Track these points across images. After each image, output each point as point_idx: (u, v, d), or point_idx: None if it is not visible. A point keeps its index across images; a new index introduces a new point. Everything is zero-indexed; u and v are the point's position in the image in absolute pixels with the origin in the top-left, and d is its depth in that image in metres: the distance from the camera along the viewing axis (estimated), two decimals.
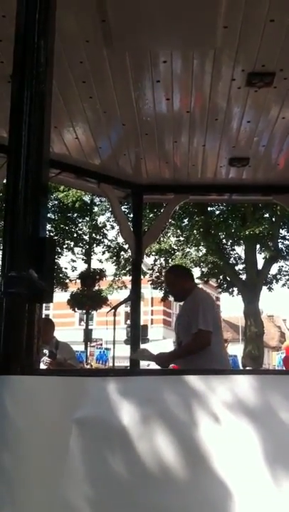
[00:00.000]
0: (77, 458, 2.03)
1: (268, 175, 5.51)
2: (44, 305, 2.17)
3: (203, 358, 4.26)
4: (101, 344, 25.90)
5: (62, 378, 2.18)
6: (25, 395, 2.01)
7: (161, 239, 20.85)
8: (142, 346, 6.14)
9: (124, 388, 2.10)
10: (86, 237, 23.93)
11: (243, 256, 21.96)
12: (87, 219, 23.77)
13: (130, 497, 2.04)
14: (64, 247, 22.45)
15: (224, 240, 21.98)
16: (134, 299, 6.15)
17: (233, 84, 3.82)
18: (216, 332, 4.40)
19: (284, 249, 22.16)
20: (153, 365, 5.74)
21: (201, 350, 4.32)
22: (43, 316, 2.25)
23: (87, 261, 23.92)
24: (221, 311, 45.15)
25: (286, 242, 22.28)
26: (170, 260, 22.69)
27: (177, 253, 22.67)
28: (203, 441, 2.05)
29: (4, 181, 5.37)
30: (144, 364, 6.05)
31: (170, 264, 22.50)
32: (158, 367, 4.68)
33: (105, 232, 24.03)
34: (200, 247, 22.69)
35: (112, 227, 23.38)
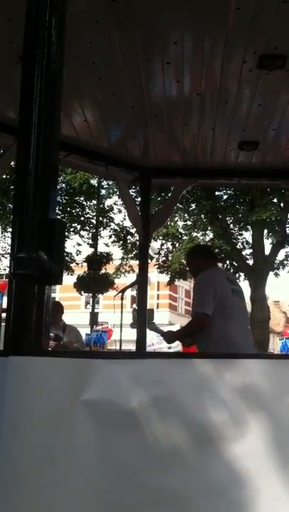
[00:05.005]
0: (85, 439, 2.03)
1: (278, 159, 5.47)
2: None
3: (205, 339, 4.25)
4: (107, 327, 25.98)
5: (71, 360, 2.18)
6: (33, 376, 2.01)
7: (168, 223, 20.75)
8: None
9: (132, 371, 2.10)
10: (93, 221, 23.86)
11: (250, 241, 21.89)
12: (94, 202, 23.69)
13: (137, 479, 2.05)
14: (70, 230, 22.41)
15: (231, 225, 21.89)
16: (142, 283, 6.14)
17: (244, 66, 3.78)
18: (222, 314, 4.24)
19: None
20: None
21: (197, 332, 4.34)
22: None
23: (94, 244, 23.91)
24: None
25: None
26: (177, 245, 22.65)
27: (184, 237, 22.60)
28: (212, 424, 2.06)
29: (12, 163, 5.39)
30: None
31: (176, 249, 22.48)
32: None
33: (112, 215, 23.95)
34: (207, 232, 22.62)
35: (120, 211, 23.31)
